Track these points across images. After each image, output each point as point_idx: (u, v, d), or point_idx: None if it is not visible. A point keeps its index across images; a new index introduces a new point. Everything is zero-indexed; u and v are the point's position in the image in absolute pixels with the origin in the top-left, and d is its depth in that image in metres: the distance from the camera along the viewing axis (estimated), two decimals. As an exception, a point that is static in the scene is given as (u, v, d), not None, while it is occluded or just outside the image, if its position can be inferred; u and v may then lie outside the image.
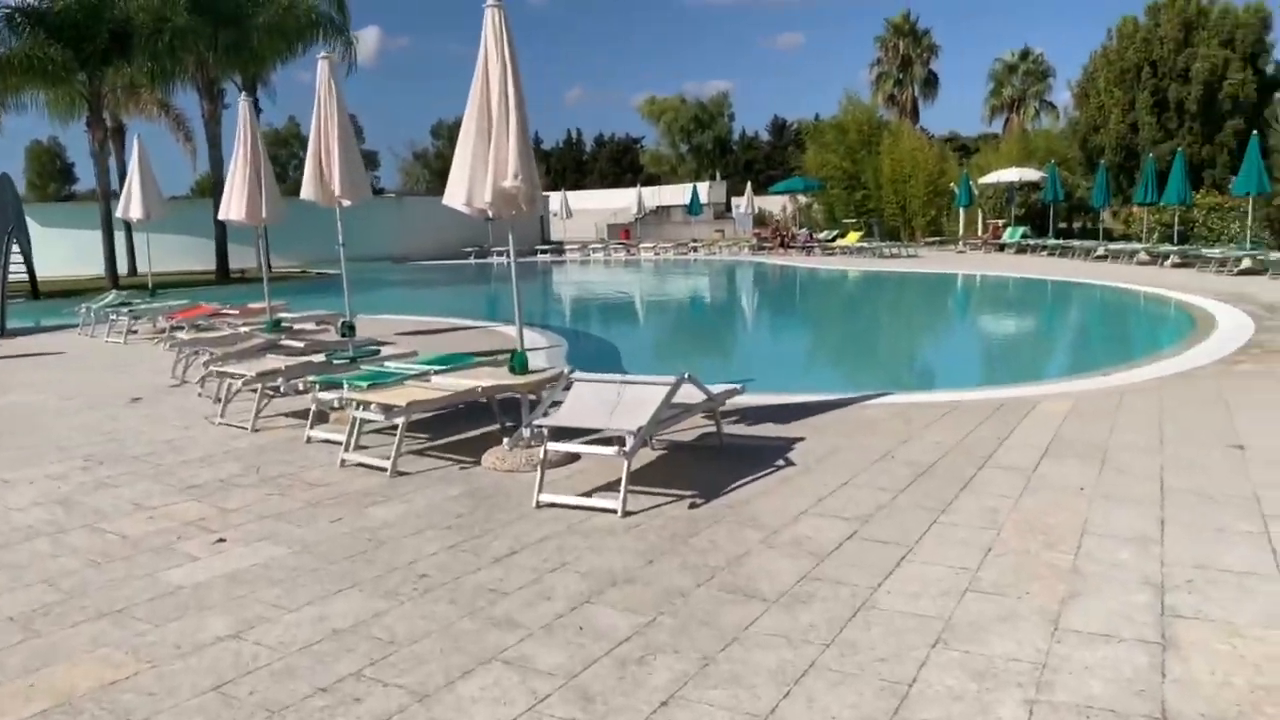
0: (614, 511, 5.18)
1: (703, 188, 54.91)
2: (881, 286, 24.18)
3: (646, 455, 6.34)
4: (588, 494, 5.55)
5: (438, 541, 4.89)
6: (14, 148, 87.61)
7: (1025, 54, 54.20)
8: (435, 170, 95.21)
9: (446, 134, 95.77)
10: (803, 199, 44.94)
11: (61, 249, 33.65)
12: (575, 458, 6.21)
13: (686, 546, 4.66)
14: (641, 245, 40.76)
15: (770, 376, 10.97)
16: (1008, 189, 33.82)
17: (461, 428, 7.44)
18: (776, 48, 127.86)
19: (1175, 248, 23.04)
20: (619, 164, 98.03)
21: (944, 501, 5.20)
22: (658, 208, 57.34)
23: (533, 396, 6.91)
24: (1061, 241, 28.89)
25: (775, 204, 48.42)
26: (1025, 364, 12.53)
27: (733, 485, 5.66)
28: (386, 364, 7.72)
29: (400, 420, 6.23)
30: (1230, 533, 4.55)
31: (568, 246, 42.61)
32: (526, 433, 5.48)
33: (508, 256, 6.67)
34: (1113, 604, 3.80)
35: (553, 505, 5.37)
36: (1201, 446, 6.13)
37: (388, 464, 6.22)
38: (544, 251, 41.53)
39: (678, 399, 5.82)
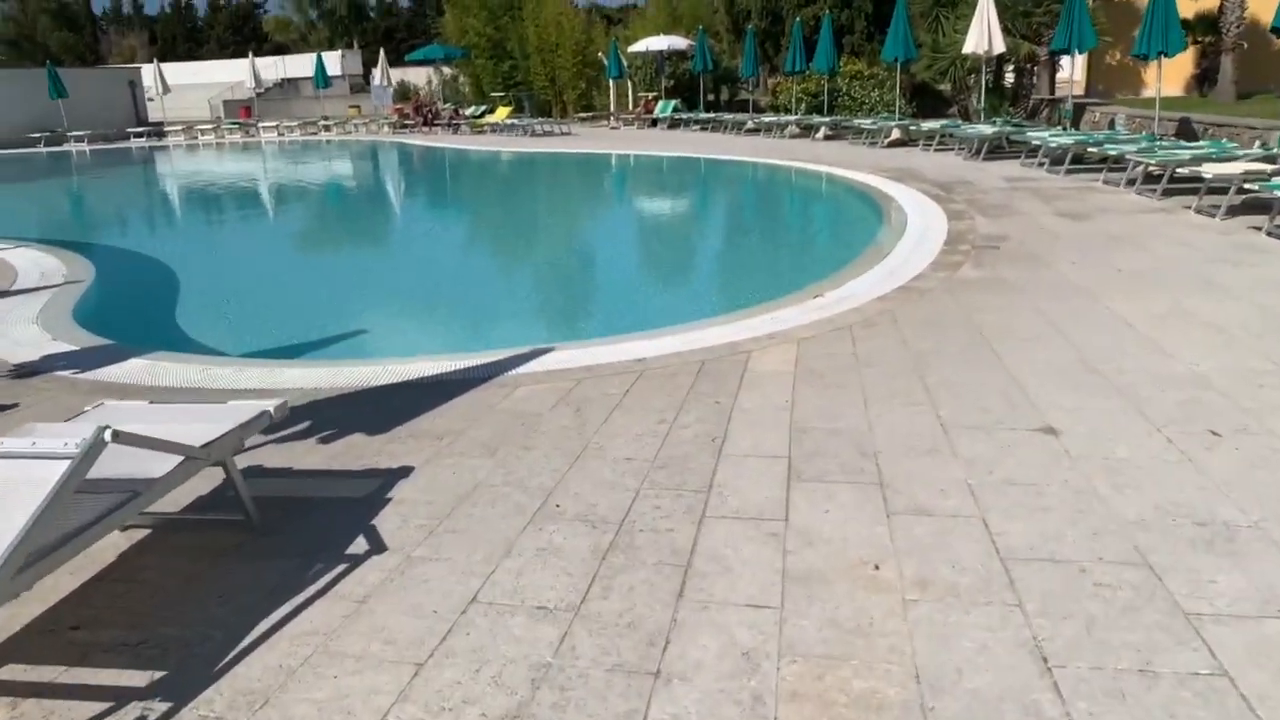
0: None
1: (333, 57, 48.89)
2: (532, 173, 21.54)
3: (101, 551, 3.32)
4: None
5: None
6: None
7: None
8: (9, 36, 78.73)
9: (14, -7, 79.12)
10: (447, 71, 40.86)
11: None
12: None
13: None
14: (261, 125, 35.05)
15: (384, 323, 8.04)
16: (657, 59, 32.13)
17: None
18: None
19: (826, 119, 22.38)
20: (239, 33, 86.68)
21: (659, 635, 2.73)
22: (283, 81, 50.51)
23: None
24: (713, 115, 27.70)
25: (420, 76, 43.76)
26: (710, 277, 10.32)
27: (252, 636, 2.83)
28: None
29: None
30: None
31: (171, 129, 35.81)
32: None
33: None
34: None
35: None
36: (1003, 434, 4.14)
37: None
38: (139, 135, 34.53)
39: (107, 470, 2.82)
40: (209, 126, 35.80)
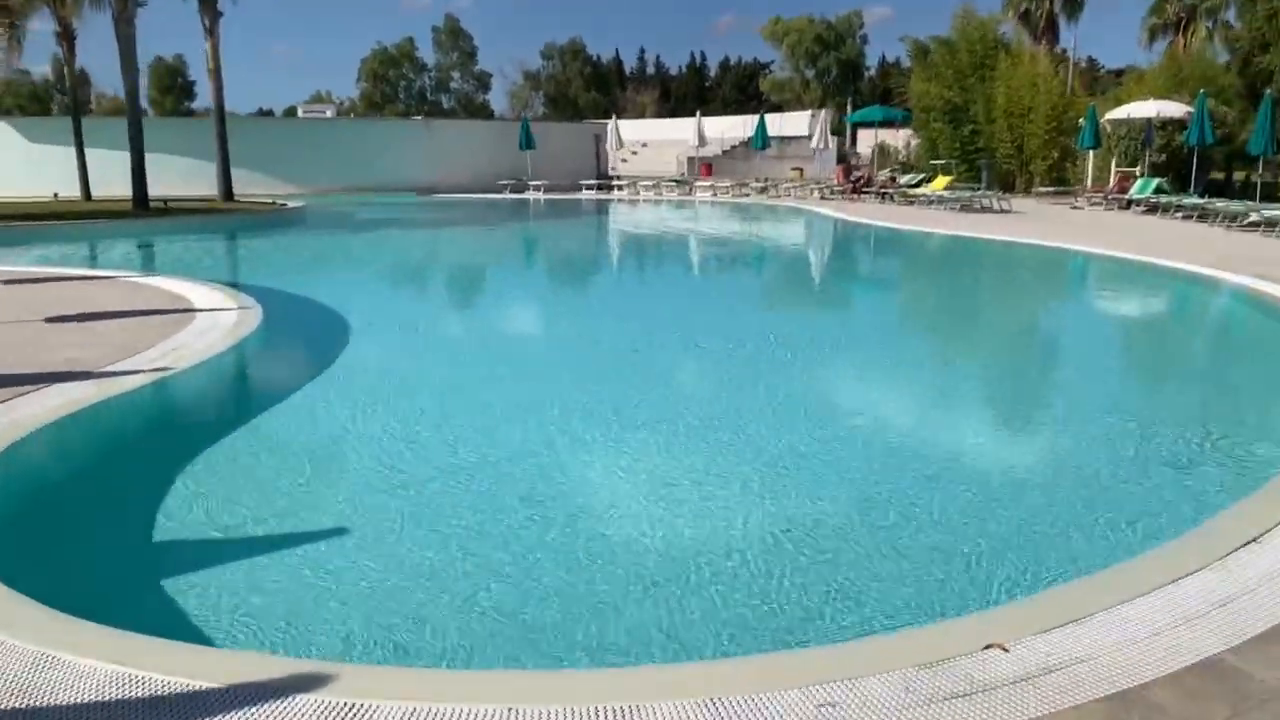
0: None
1: (799, 117, 48.31)
2: (898, 268, 17.90)
3: None
4: None
5: None
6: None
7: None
8: (549, 94, 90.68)
9: (558, 55, 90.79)
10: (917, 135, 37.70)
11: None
12: None
13: None
14: (697, 185, 35.01)
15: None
16: (1145, 128, 26.13)
17: None
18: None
19: (1358, 219, 15.88)
20: (744, 92, 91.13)
21: None
22: (748, 139, 50.96)
23: None
24: (1203, 201, 21.57)
25: (899, 138, 40.51)
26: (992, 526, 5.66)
27: None
28: None
29: None
30: None
31: (618, 183, 37.30)
32: None
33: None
34: None
35: None
36: None
37: None
38: (589, 187, 36.30)
39: None
40: (650, 183, 36.54)
